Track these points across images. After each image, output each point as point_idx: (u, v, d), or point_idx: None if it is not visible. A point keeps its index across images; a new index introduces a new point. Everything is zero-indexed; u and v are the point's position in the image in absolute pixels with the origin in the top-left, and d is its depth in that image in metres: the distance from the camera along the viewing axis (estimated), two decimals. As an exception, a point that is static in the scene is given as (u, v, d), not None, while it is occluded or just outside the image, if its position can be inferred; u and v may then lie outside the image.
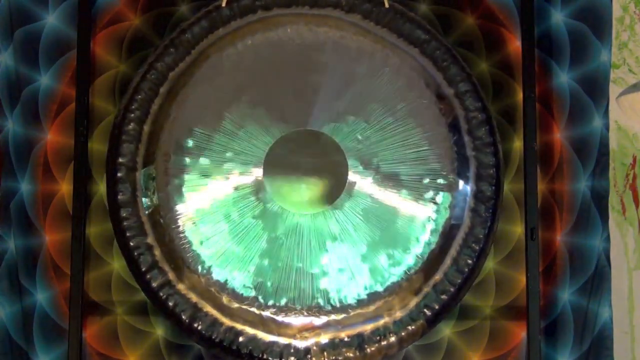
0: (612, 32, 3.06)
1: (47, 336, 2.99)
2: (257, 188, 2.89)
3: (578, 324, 3.01)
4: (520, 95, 3.02)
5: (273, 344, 2.83)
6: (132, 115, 2.85)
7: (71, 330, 2.86)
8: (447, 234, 2.87)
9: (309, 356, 2.82)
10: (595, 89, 3.04)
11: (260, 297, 2.86)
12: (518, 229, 3.05)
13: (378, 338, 2.83)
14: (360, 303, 2.86)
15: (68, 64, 3.04)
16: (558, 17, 3.06)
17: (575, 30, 3.05)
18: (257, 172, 2.89)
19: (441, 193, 2.89)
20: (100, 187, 3.02)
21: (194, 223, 2.88)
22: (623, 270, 3.09)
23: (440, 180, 2.89)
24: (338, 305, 2.87)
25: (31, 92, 3.03)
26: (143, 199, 2.85)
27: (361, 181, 2.89)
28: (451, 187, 2.89)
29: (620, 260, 3.08)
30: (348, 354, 2.83)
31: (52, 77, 3.04)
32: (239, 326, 2.83)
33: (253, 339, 2.82)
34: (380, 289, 2.87)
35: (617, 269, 3.06)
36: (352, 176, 2.89)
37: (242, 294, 2.86)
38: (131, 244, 2.83)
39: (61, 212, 3.02)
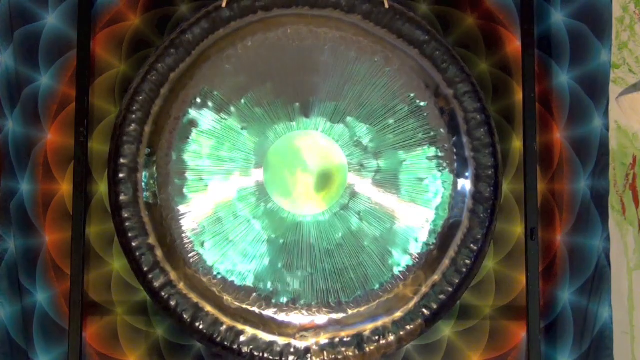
0: (612, 32, 3.05)
1: (47, 336, 2.99)
2: (258, 189, 2.89)
3: (578, 324, 3.01)
4: (520, 95, 3.02)
5: (273, 343, 2.83)
6: (133, 116, 2.84)
7: (71, 330, 2.86)
8: (446, 235, 2.87)
9: (309, 355, 2.83)
10: (595, 89, 3.04)
11: (260, 297, 2.87)
12: (518, 229, 3.05)
13: (377, 338, 2.83)
14: (360, 303, 2.87)
15: (68, 64, 3.04)
16: (558, 17, 3.06)
17: (575, 30, 3.05)
18: (258, 173, 2.89)
19: (440, 193, 2.89)
20: (100, 187, 3.02)
21: (195, 224, 2.88)
22: (623, 270, 3.09)
23: (439, 181, 2.89)
24: (338, 305, 2.87)
25: (31, 92, 3.03)
26: (144, 200, 2.85)
27: (360, 182, 2.89)
28: (450, 188, 2.89)
29: (620, 260, 3.08)
30: (347, 353, 2.83)
31: (52, 77, 3.04)
32: (240, 326, 2.84)
33: (254, 338, 2.83)
34: (379, 289, 2.87)
35: (617, 269, 3.05)
36: (351, 177, 2.89)
37: (242, 294, 2.87)
38: (133, 244, 2.83)
39: (61, 212, 3.03)
